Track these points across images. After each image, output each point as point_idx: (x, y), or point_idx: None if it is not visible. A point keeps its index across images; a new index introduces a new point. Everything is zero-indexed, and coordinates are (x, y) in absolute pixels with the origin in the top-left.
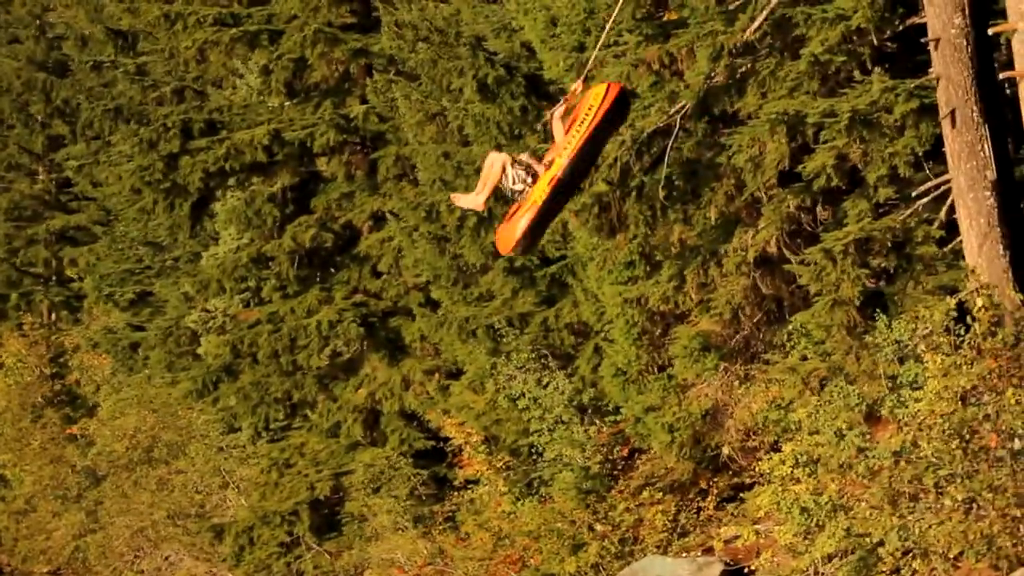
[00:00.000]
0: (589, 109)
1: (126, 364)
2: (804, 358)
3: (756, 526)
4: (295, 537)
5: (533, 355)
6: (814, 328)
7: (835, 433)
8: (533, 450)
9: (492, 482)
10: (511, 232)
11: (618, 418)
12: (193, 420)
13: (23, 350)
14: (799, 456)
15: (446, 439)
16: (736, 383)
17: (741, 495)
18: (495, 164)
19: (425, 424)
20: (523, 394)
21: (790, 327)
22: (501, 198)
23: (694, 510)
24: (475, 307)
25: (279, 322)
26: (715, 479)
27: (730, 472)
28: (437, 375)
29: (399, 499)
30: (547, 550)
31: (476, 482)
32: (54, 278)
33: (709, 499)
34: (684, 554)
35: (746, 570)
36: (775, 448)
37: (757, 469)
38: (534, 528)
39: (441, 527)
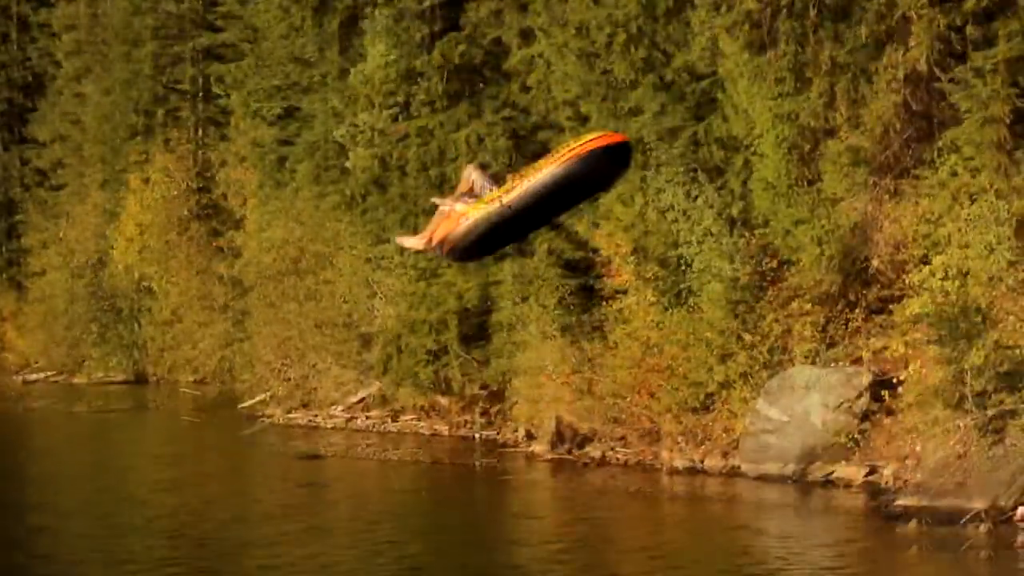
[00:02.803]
0: (570, 149)
1: (273, 178)
2: (954, 174)
3: (905, 338)
4: (442, 346)
5: (682, 168)
6: (964, 145)
7: (985, 247)
8: (682, 261)
9: (640, 292)
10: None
11: (767, 231)
12: (341, 232)
13: (170, 165)
14: (948, 269)
15: (595, 250)
16: (885, 197)
17: (890, 307)
18: (469, 176)
19: (574, 235)
20: (672, 207)
21: (940, 144)
22: None
23: (842, 322)
24: (625, 121)
25: (428, 136)
26: (864, 291)
27: (879, 284)
28: None
29: (547, 308)
30: (695, 359)
31: (624, 293)
32: (201, 95)
33: (857, 311)
34: (832, 364)
35: (894, 381)
36: (924, 261)
37: (906, 281)
38: (682, 338)
39: (589, 336)
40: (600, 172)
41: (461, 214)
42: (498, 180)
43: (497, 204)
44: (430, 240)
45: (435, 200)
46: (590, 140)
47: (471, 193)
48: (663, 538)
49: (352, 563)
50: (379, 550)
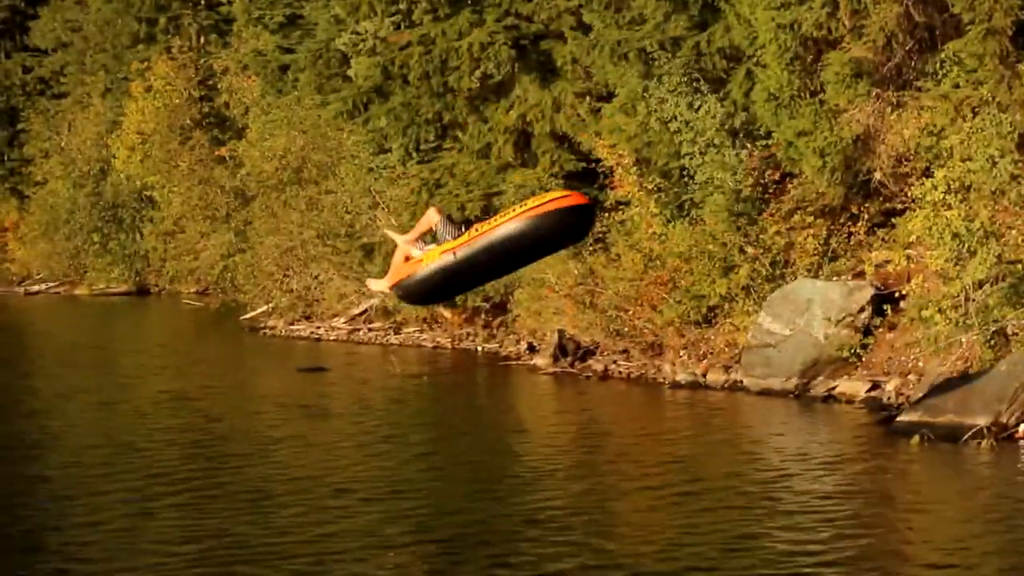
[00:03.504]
0: (533, 205)
1: (275, 86)
2: (956, 86)
3: (907, 251)
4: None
5: (685, 79)
6: (966, 57)
7: (987, 160)
8: (684, 173)
9: (643, 204)
10: (398, 275)
11: (769, 142)
12: (343, 141)
13: (171, 73)
14: (951, 182)
15: (597, 161)
16: (888, 109)
17: (892, 220)
18: (429, 218)
19: (576, 146)
20: (675, 117)
21: (942, 55)
22: None
23: (845, 235)
24: (627, 30)
25: (430, 44)
26: (866, 204)
27: (881, 198)
28: (588, 98)
29: None
30: (698, 272)
31: (626, 204)
32: (203, 2)
33: (860, 224)
34: (835, 278)
35: (896, 295)
36: (927, 174)
37: (909, 194)
38: (685, 250)
39: (591, 248)
40: (560, 232)
41: (418, 260)
42: (459, 228)
43: (451, 257)
44: (394, 284)
45: (388, 232)
46: (553, 199)
47: (432, 235)
48: (663, 443)
49: (353, 454)
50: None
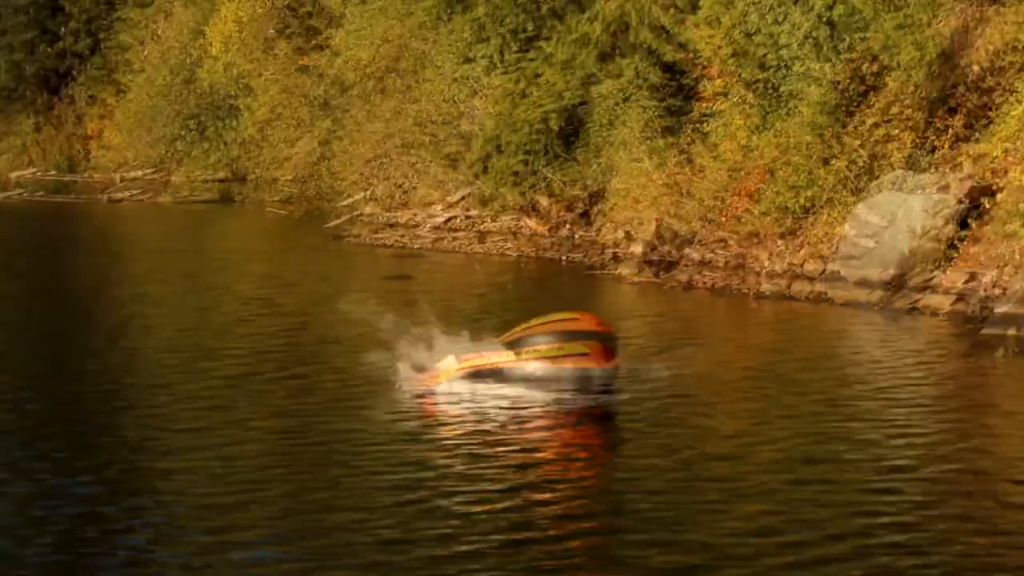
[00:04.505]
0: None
1: None
2: None
3: (1004, 144)
4: (542, 145)
5: None
6: None
7: None
8: (782, 65)
9: (740, 95)
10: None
11: (867, 35)
12: (441, 31)
13: None
14: None
15: (695, 52)
16: (987, 3)
17: (989, 114)
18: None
19: (674, 36)
20: (772, 8)
21: None
22: None
23: (942, 128)
24: None
25: None
26: (963, 97)
27: (979, 91)
28: (673, 10)
29: (647, 110)
30: (794, 163)
31: (724, 95)
32: None
33: (957, 117)
34: (932, 171)
35: (993, 188)
36: None
37: (1007, 88)
38: (782, 142)
39: (689, 138)
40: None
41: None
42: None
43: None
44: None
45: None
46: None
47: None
48: (749, 354)
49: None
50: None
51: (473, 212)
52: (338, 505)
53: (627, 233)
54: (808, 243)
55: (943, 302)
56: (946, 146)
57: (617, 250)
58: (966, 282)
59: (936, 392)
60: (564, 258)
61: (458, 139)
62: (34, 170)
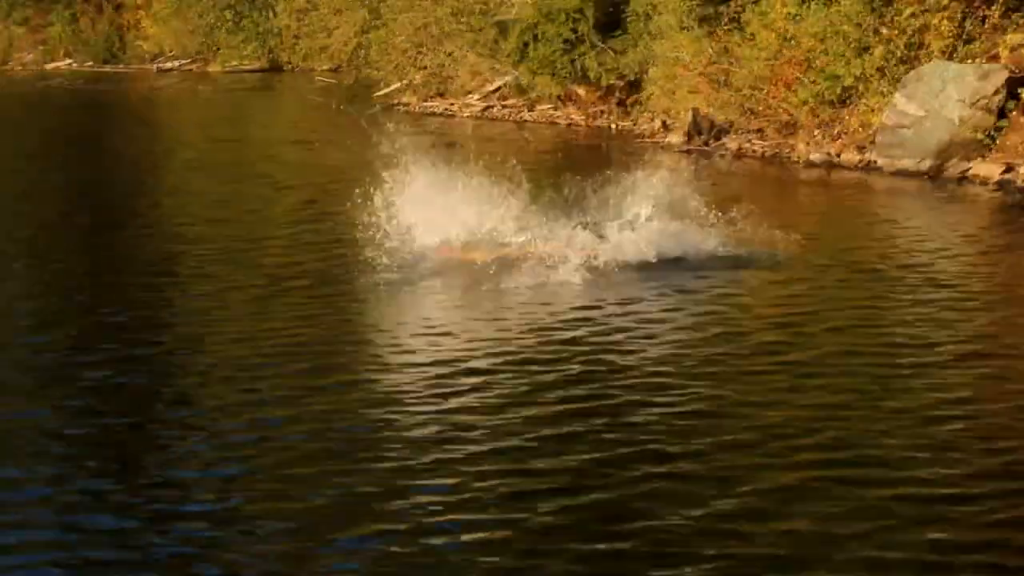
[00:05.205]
0: None
1: None
2: None
3: None
4: (579, 34)
5: None
6: None
7: None
8: None
9: None
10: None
11: None
12: None
13: None
14: None
15: None
16: None
17: None
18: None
19: None
20: None
21: None
22: None
23: (980, 17)
24: None
25: None
26: None
27: None
28: None
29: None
30: (832, 52)
31: None
32: None
33: (995, 7)
34: (969, 60)
35: None
36: None
37: None
38: (819, 30)
39: (726, 27)
40: None
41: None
42: None
43: None
44: None
45: None
46: None
47: None
48: (796, 222)
49: None
50: None
51: (509, 102)
52: None
53: (664, 123)
54: (845, 133)
55: (993, 171)
56: (983, 36)
57: (655, 139)
58: (1003, 172)
59: (978, 263)
60: (613, 126)
61: (495, 28)
62: (70, 61)
